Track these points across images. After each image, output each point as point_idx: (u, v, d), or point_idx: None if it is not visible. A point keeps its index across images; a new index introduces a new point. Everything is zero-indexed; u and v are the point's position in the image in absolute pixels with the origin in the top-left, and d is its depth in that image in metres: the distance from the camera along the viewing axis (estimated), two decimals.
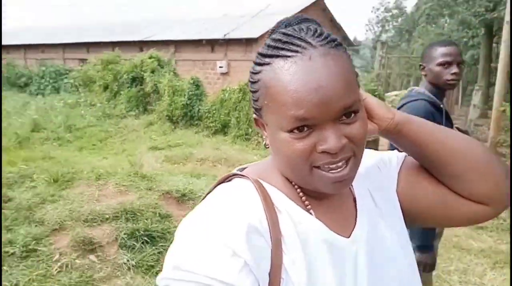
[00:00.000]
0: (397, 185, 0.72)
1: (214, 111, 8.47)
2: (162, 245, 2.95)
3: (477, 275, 3.01)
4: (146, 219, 3.09)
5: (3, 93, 11.96)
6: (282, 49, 0.57)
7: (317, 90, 0.54)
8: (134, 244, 2.83)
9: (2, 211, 2.97)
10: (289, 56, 0.56)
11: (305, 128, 0.56)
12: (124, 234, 2.86)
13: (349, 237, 0.63)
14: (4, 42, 16.91)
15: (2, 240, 2.61)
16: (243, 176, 0.64)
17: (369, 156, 0.75)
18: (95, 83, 11.05)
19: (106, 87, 10.64)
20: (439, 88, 1.82)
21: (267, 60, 0.58)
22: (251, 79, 0.62)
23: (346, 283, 0.60)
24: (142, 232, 2.94)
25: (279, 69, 0.56)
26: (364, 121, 0.60)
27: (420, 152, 0.69)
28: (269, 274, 0.55)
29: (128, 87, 10.05)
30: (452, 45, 1.82)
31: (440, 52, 1.78)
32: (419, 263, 1.78)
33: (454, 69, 1.75)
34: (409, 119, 0.68)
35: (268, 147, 0.65)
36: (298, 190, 0.64)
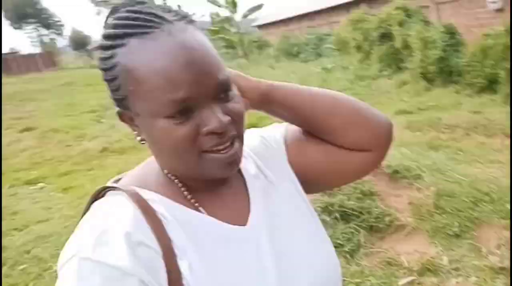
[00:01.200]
0: (287, 155, 0.71)
1: (475, 64, 6.80)
2: (356, 224, 2.88)
3: None
4: (344, 194, 3.06)
5: (278, 64, 14.03)
6: (134, 26, 0.52)
7: (191, 67, 0.50)
8: (325, 219, 2.87)
9: None
10: (146, 33, 0.51)
11: (184, 111, 0.52)
12: (318, 206, 2.92)
13: (245, 224, 0.61)
14: (284, 16, 19.61)
15: None
16: (118, 188, 0.58)
17: (251, 135, 0.72)
18: (348, 45, 11.19)
19: (358, 48, 10.57)
20: None
21: (118, 41, 0.52)
22: (104, 66, 0.55)
23: (253, 272, 0.58)
24: (336, 208, 2.94)
25: (137, 48, 0.51)
26: (239, 97, 0.58)
27: (295, 116, 0.69)
28: (168, 283, 0.52)
29: (378, 45, 9.61)
30: None
31: None
32: None
33: None
34: (274, 86, 0.68)
35: (144, 143, 0.59)
36: (183, 189, 0.60)
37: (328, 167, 0.71)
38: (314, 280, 0.62)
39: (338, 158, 0.70)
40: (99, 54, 0.56)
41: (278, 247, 0.61)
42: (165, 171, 0.61)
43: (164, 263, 0.52)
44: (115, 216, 0.54)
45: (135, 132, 0.59)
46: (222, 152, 0.55)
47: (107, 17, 0.56)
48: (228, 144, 0.55)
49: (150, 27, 0.51)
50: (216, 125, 0.52)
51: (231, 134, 0.55)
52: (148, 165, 0.64)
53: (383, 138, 0.70)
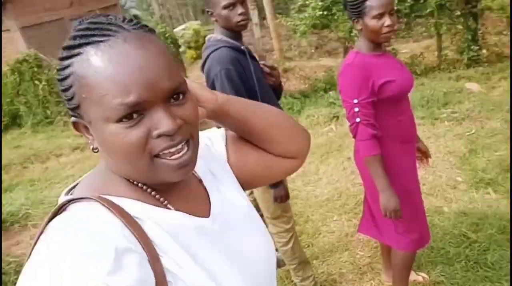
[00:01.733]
0: (228, 157, 0.78)
1: None
2: None
3: None
4: None
5: None
6: (92, 35, 0.52)
7: (141, 71, 0.51)
8: None
9: None
10: (101, 41, 0.52)
11: (134, 115, 0.52)
12: None
13: (209, 216, 0.66)
14: None
15: None
16: (83, 198, 0.56)
17: None
18: None
19: None
20: (234, 31, 1.73)
21: (75, 51, 0.53)
22: (60, 77, 0.56)
23: (226, 256, 0.63)
24: None
25: (92, 56, 0.52)
26: (194, 102, 0.61)
27: (242, 127, 0.77)
28: (156, 284, 0.52)
29: None
30: None
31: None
32: (276, 197, 1.88)
33: (240, 9, 1.69)
34: (230, 99, 0.74)
35: (97, 151, 0.60)
36: (149, 190, 0.61)
37: (261, 170, 0.80)
38: (267, 261, 0.72)
39: (270, 163, 0.80)
40: (57, 67, 0.57)
41: (240, 233, 0.69)
42: (122, 177, 0.61)
43: (150, 266, 0.52)
44: (90, 224, 0.52)
45: (89, 141, 0.59)
46: (174, 156, 0.56)
47: (72, 30, 0.56)
48: (180, 146, 0.56)
49: (106, 35, 0.52)
50: (167, 128, 0.53)
51: (183, 138, 0.56)
52: (100, 173, 0.63)
53: (306, 149, 0.83)
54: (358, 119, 1.64)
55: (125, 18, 0.56)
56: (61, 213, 0.56)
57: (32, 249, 0.53)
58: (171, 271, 0.54)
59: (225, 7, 1.70)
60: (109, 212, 0.54)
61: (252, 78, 1.72)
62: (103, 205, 0.55)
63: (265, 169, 0.80)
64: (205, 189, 0.71)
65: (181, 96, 0.56)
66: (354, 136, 1.71)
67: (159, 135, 0.53)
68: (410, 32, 7.26)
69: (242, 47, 1.76)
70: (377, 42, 1.66)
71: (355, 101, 1.62)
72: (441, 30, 6.15)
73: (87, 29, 0.53)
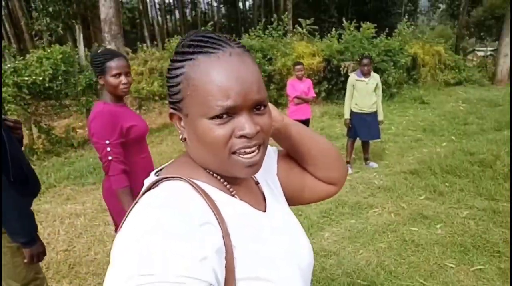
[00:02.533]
0: (277, 170, 0.88)
1: None
2: None
3: None
4: None
5: None
6: (205, 46, 0.63)
7: (240, 82, 0.62)
8: None
9: None
10: (212, 52, 0.63)
11: (224, 116, 0.62)
12: None
13: (265, 211, 0.76)
14: None
15: None
16: (172, 177, 0.66)
17: None
18: None
19: None
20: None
21: (189, 56, 0.64)
22: (170, 75, 0.67)
23: (279, 248, 0.70)
24: None
25: (203, 63, 0.62)
26: (270, 115, 0.70)
27: (296, 148, 0.87)
28: (225, 258, 0.60)
29: None
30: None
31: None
32: (32, 256, 1.68)
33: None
34: (293, 122, 0.86)
35: (185, 140, 0.70)
36: (222, 180, 0.71)
37: (302, 189, 0.90)
38: (311, 263, 0.79)
39: (312, 185, 0.90)
40: (168, 66, 0.68)
41: (288, 232, 0.77)
42: (202, 167, 0.71)
43: (223, 241, 0.61)
44: (179, 197, 0.62)
45: (180, 131, 0.71)
46: (246, 156, 0.65)
47: (184, 39, 0.68)
48: (254, 148, 0.66)
49: (217, 48, 0.63)
50: (248, 131, 0.63)
51: (257, 142, 0.66)
52: (184, 162, 0.73)
53: (344, 178, 0.93)
54: (110, 158, 1.95)
55: (231, 37, 0.67)
56: (152, 189, 0.65)
57: (125, 218, 0.59)
58: (237, 248, 0.63)
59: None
60: (194, 190, 0.65)
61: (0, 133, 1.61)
62: (191, 184, 0.65)
63: (307, 189, 0.89)
64: (260, 190, 0.81)
65: (262, 108, 0.66)
66: (107, 173, 1.98)
67: (241, 136, 0.63)
68: None
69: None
70: (117, 95, 2.07)
71: (107, 142, 1.94)
72: None
73: (201, 41, 0.64)
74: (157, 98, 8.76)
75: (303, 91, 5.24)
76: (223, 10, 30.68)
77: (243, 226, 0.67)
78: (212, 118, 0.62)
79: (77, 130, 7.45)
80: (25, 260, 1.69)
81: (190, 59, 0.64)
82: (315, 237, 3.38)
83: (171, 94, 0.68)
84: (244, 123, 0.63)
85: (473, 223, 3.47)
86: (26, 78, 6.13)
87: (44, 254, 1.77)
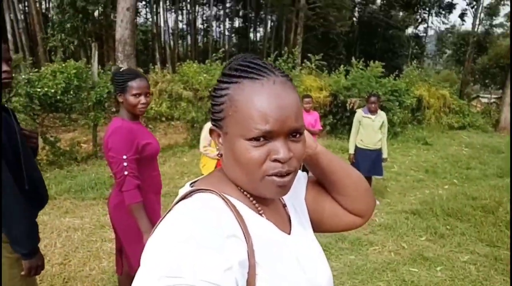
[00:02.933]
0: (305, 195, 0.90)
1: None
2: None
3: None
4: None
5: None
6: (251, 72, 0.67)
7: (279, 110, 0.65)
8: None
9: None
10: (257, 79, 0.66)
11: (261, 139, 0.65)
12: None
13: (289, 234, 0.77)
14: None
15: None
16: (206, 190, 0.69)
17: None
18: None
19: None
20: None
21: (235, 79, 0.68)
22: (216, 94, 0.70)
23: (301, 270, 0.72)
24: None
25: (248, 87, 0.66)
26: (304, 144, 0.72)
27: (326, 176, 0.88)
28: (248, 272, 0.62)
29: None
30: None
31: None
32: (30, 269, 1.65)
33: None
34: (325, 151, 0.88)
35: (221, 156, 0.73)
36: (251, 198, 0.74)
37: (328, 217, 0.91)
38: (326, 284, 0.80)
39: (339, 213, 0.90)
40: (215, 86, 0.72)
41: (310, 257, 0.78)
42: (234, 184, 0.73)
43: (247, 256, 0.63)
44: (211, 208, 0.65)
45: (217, 147, 0.74)
46: (279, 177, 0.67)
47: (230, 62, 0.72)
48: (285, 174, 0.68)
49: (262, 75, 0.67)
50: (282, 156, 0.66)
51: (289, 169, 0.68)
52: (218, 176, 0.76)
53: (371, 212, 0.93)
54: (126, 172, 1.96)
55: (276, 66, 0.71)
56: (187, 198, 0.69)
57: (159, 224, 0.63)
58: (259, 265, 0.65)
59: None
60: (225, 204, 0.68)
61: (17, 140, 1.64)
62: (221, 197, 0.68)
63: (333, 217, 0.90)
64: (287, 213, 0.83)
65: (298, 135, 0.69)
66: (120, 189, 1.98)
67: (275, 160, 0.66)
68: None
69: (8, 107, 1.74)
70: (135, 114, 2.12)
71: (124, 157, 1.96)
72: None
73: (248, 66, 0.68)
74: (163, 119, 8.85)
75: (310, 123, 5.31)
76: (234, 40, 31.43)
77: (267, 245, 0.69)
78: (250, 139, 0.65)
79: (82, 144, 7.50)
80: (23, 273, 1.65)
81: (236, 83, 0.67)
82: None
83: (214, 112, 0.72)
84: (279, 148, 0.66)
85: (474, 269, 3.42)
86: (39, 90, 6.24)
87: (43, 267, 1.73)
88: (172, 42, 26.71)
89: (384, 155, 5.19)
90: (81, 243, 3.76)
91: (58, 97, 6.50)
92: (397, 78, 11.60)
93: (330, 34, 23.02)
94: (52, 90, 6.36)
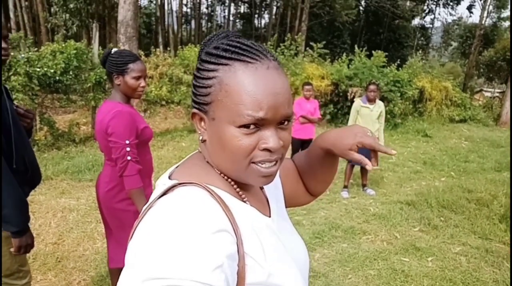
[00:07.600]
0: (280, 173, 0.92)
1: None
2: None
3: None
4: None
5: None
6: (243, 55, 0.63)
7: (273, 96, 0.62)
8: None
9: None
10: (250, 62, 0.63)
11: (252, 126, 0.62)
12: None
13: (269, 216, 0.77)
14: None
15: None
16: (188, 183, 0.65)
17: None
18: None
19: None
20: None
21: (224, 61, 0.64)
22: (202, 75, 0.66)
23: (285, 251, 0.72)
24: None
25: (240, 71, 0.62)
26: (291, 131, 0.71)
27: (320, 170, 0.92)
28: (238, 264, 0.61)
29: None
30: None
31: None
32: (20, 247, 1.66)
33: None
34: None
35: (204, 141, 0.70)
36: (235, 186, 0.72)
37: (293, 195, 0.95)
38: (307, 263, 0.83)
39: (299, 193, 0.97)
40: (199, 65, 0.67)
41: (287, 236, 0.79)
42: (216, 170, 0.71)
43: (237, 248, 0.61)
44: (197, 202, 0.61)
45: (199, 132, 0.70)
46: (264, 165, 0.66)
47: (211, 39, 0.69)
48: (274, 163, 0.67)
49: (255, 59, 0.63)
50: (272, 145, 0.64)
51: (277, 157, 0.67)
52: (199, 164, 0.73)
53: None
54: (129, 158, 1.92)
55: (268, 50, 0.67)
56: (168, 193, 0.64)
57: (140, 221, 0.60)
58: (249, 255, 0.63)
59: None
60: (210, 196, 0.64)
61: (8, 118, 1.63)
62: (206, 189, 0.64)
63: (293, 195, 0.95)
64: (265, 194, 0.82)
65: (286, 123, 0.67)
66: (122, 174, 1.94)
67: (264, 149, 0.64)
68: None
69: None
70: (130, 97, 2.08)
71: (127, 142, 1.92)
72: None
73: (239, 48, 0.64)
74: (163, 103, 8.82)
75: (309, 111, 5.29)
76: (238, 25, 31.11)
77: (254, 233, 0.67)
78: (240, 127, 0.62)
79: (81, 126, 7.49)
80: (12, 250, 1.67)
81: (226, 65, 0.63)
82: None
83: (197, 95, 0.67)
84: (269, 137, 0.64)
85: (465, 260, 3.45)
86: (38, 69, 6.21)
87: (32, 246, 1.74)
88: (175, 26, 26.46)
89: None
90: (76, 223, 3.79)
91: (58, 77, 6.47)
92: (400, 68, 11.51)
93: (336, 22, 22.76)
94: (52, 71, 6.33)
